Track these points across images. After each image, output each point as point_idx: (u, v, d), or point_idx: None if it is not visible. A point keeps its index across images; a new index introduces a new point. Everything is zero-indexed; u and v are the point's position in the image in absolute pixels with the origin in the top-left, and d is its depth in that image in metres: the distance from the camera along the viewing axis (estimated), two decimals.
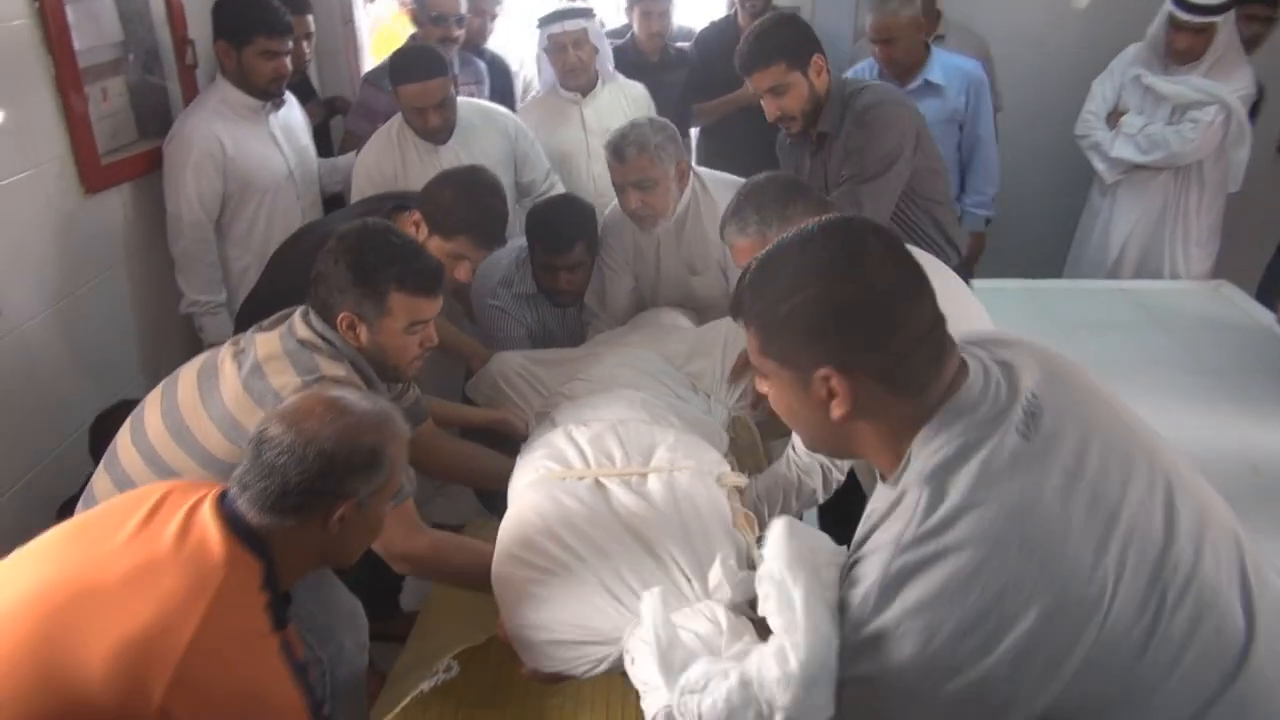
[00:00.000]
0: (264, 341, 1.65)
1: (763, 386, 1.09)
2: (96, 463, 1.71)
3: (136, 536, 1.19)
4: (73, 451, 2.29)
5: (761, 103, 2.32)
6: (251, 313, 2.34)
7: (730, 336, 2.08)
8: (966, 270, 2.50)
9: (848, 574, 1.01)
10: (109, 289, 2.56)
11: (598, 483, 1.55)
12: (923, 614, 0.91)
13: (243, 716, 1.13)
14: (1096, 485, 0.95)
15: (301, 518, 1.24)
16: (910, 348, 0.98)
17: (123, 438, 1.67)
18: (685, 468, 1.57)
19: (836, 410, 1.00)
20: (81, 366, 2.40)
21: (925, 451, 0.97)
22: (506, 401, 2.11)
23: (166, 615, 1.11)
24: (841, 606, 0.98)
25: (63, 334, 2.35)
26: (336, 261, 1.65)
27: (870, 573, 0.96)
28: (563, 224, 2.44)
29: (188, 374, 1.69)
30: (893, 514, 0.97)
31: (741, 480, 1.62)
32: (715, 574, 1.24)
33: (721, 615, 1.16)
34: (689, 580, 1.30)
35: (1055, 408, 0.99)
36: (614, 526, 1.41)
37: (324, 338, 1.65)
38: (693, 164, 2.46)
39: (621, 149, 2.25)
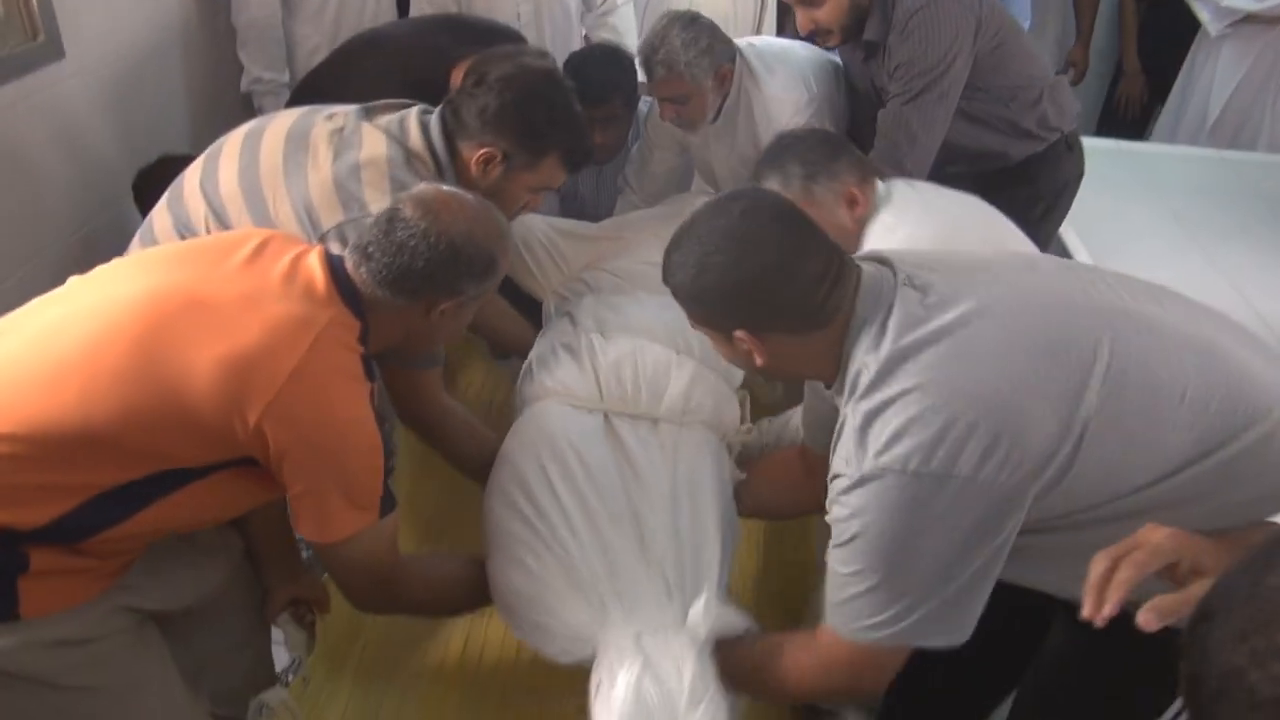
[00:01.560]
0: (370, 139, 1.59)
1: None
2: (143, 215, 1.68)
3: (247, 267, 1.23)
4: (114, 213, 2.28)
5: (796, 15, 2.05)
6: (304, 98, 2.29)
7: None
8: (1066, 147, 2.21)
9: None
10: (167, 53, 2.49)
11: (607, 419, 1.58)
12: (896, 444, 1.03)
13: (328, 448, 1.18)
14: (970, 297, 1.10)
15: (411, 300, 1.29)
16: (807, 295, 1.12)
17: (190, 180, 1.64)
18: (695, 421, 1.60)
19: (758, 361, 1.18)
20: (130, 127, 2.35)
21: (860, 345, 1.11)
22: (523, 269, 2.07)
23: (274, 340, 1.15)
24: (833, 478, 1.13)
25: (116, 89, 2.30)
26: (511, 102, 1.59)
27: (847, 437, 1.09)
28: (600, 74, 2.30)
29: (274, 135, 1.62)
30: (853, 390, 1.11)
31: (748, 435, 1.66)
32: (697, 610, 1.28)
33: (688, 669, 1.22)
34: (670, 597, 1.34)
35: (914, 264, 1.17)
36: (616, 503, 1.44)
37: (433, 153, 1.62)
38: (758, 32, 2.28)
39: (650, 67, 2.09)
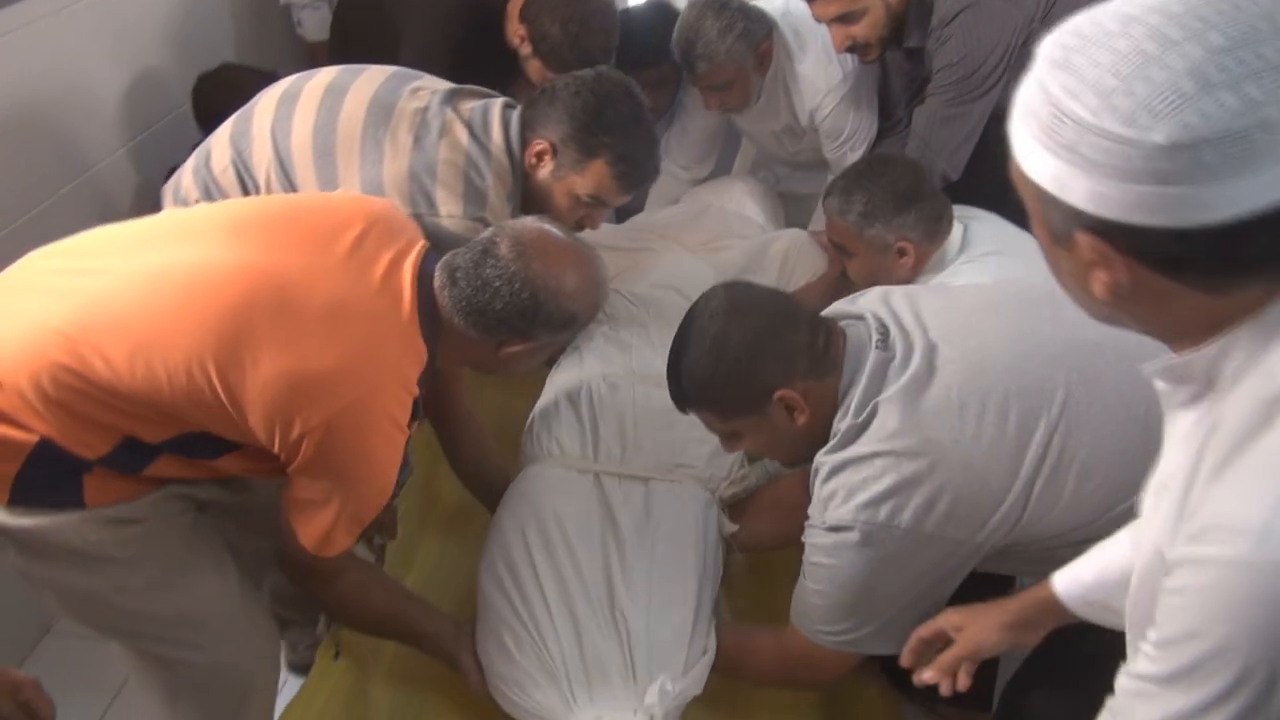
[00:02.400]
0: (453, 131, 1.57)
1: (739, 446, 1.37)
2: (201, 125, 1.63)
3: (345, 264, 1.24)
4: (162, 125, 2.26)
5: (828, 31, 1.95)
6: (348, 13, 2.25)
7: (791, 251, 2.03)
8: None
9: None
10: None
11: (597, 479, 1.60)
12: (850, 500, 1.18)
13: (350, 481, 1.24)
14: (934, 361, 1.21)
15: (483, 335, 1.32)
16: (812, 338, 1.24)
17: (261, 121, 1.62)
18: (687, 477, 1.62)
19: (801, 418, 1.26)
20: (174, 41, 2.32)
21: (838, 410, 1.24)
22: None
23: (340, 371, 1.18)
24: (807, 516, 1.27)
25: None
26: (577, 94, 1.59)
27: (816, 487, 1.24)
28: (650, 35, 2.23)
29: (357, 99, 1.60)
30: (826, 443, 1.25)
31: (739, 485, 1.66)
32: (653, 694, 1.34)
33: None
34: (635, 679, 1.39)
35: (889, 316, 1.28)
36: (594, 580, 1.47)
37: (510, 153, 1.61)
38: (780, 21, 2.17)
39: (691, 62, 2.09)
